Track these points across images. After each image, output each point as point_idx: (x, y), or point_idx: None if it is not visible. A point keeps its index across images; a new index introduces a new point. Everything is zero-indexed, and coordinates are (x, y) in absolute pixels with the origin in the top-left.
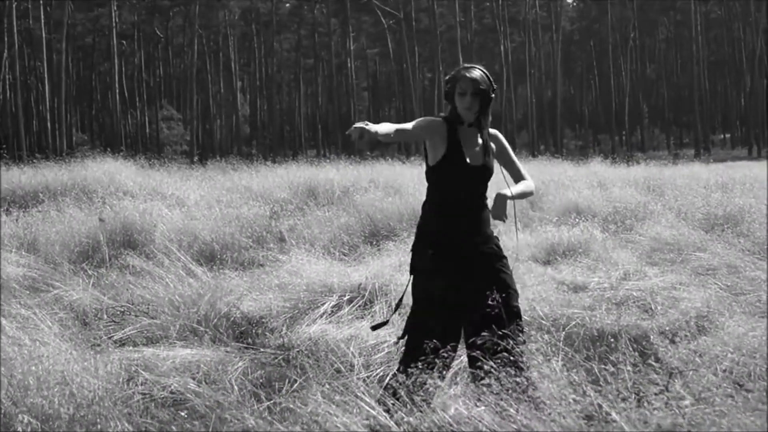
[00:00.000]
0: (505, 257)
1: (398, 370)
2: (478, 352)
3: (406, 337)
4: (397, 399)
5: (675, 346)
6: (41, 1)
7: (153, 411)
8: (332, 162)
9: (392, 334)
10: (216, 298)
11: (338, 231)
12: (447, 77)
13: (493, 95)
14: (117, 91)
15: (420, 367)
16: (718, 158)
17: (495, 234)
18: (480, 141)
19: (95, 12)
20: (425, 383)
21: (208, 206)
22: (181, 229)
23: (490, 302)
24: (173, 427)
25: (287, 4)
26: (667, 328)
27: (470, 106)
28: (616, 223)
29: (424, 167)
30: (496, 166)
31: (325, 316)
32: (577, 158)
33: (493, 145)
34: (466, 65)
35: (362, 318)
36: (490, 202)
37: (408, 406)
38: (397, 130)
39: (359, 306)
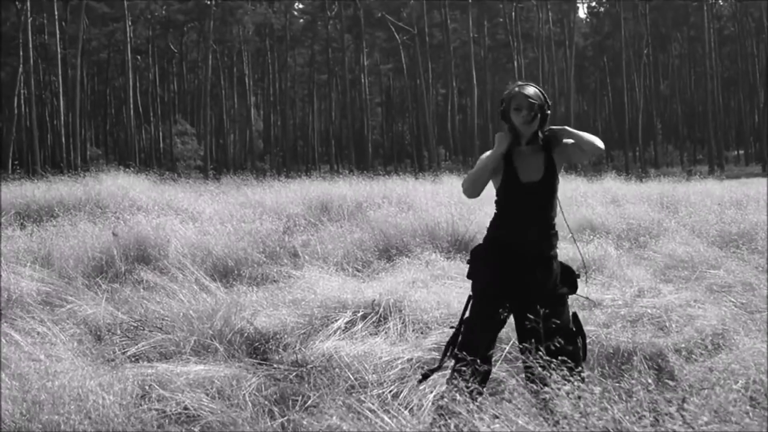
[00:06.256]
0: (563, 290)
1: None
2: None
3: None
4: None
5: (690, 363)
6: (56, 17)
7: (167, 427)
8: (345, 177)
9: (406, 351)
10: (230, 313)
11: (351, 246)
12: (502, 98)
13: (548, 111)
14: (131, 105)
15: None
16: (732, 175)
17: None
18: (541, 156)
19: (110, 27)
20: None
21: (222, 221)
22: (194, 244)
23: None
24: None
25: (301, 20)
26: (683, 346)
27: (527, 120)
28: (630, 239)
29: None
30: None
31: (338, 333)
32: (591, 174)
33: (561, 155)
34: (519, 83)
35: (376, 334)
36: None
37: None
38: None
39: (373, 322)
